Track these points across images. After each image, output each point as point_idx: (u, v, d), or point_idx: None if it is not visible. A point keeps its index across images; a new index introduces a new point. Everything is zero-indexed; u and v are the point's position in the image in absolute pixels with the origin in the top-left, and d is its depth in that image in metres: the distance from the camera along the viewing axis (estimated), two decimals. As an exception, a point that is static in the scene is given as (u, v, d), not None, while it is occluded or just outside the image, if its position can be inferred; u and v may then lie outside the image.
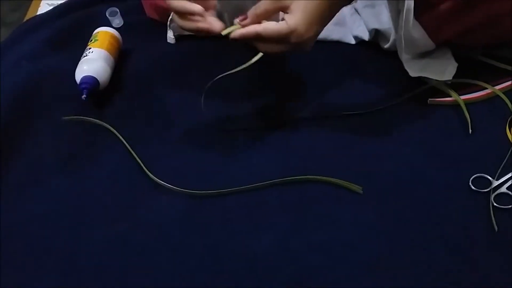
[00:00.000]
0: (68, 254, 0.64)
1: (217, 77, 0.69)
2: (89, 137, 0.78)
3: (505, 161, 0.69)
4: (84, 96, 0.78)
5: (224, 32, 0.65)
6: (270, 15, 0.65)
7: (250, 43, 0.66)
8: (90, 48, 0.85)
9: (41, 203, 0.69)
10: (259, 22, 0.65)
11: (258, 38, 0.64)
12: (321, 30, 0.65)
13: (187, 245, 0.64)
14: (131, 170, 0.72)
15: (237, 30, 0.65)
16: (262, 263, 0.62)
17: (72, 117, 0.80)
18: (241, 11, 0.86)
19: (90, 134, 0.78)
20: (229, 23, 0.82)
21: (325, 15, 0.64)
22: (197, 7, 0.65)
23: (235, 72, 0.69)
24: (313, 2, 0.62)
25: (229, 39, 0.65)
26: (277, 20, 0.65)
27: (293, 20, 0.62)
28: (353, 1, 0.67)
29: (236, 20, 0.66)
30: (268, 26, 0.63)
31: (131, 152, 0.74)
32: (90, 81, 0.80)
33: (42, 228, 0.67)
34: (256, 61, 0.68)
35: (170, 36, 0.93)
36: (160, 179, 0.70)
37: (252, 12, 0.65)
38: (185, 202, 0.68)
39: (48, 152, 0.76)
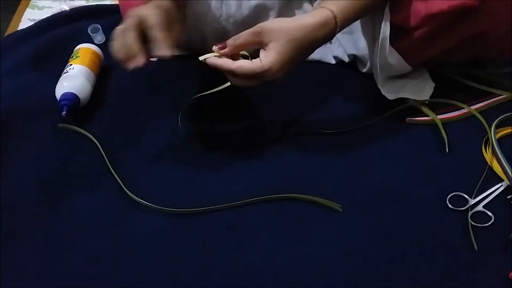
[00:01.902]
0: (48, 271, 0.63)
1: (191, 99, 0.70)
2: (70, 154, 0.77)
3: (481, 180, 0.70)
4: (64, 113, 0.78)
5: (201, 58, 0.67)
6: (248, 48, 0.67)
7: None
8: (71, 65, 0.84)
9: (21, 220, 0.68)
10: (237, 53, 0.67)
11: (231, 73, 0.66)
12: (293, 69, 0.67)
13: (169, 262, 0.64)
14: (111, 187, 0.72)
15: (212, 59, 0.66)
16: (245, 278, 0.62)
17: (65, 125, 0.79)
18: (223, 34, 0.87)
19: (71, 151, 0.77)
20: (212, 45, 0.83)
21: (299, 57, 0.66)
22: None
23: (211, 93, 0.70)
24: (289, 45, 0.64)
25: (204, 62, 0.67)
26: None
27: (267, 59, 0.64)
28: (328, 43, 0.70)
29: (215, 48, 0.67)
30: (243, 65, 0.65)
31: (111, 171, 0.73)
32: (71, 97, 0.79)
33: (21, 244, 0.66)
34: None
35: (152, 53, 0.93)
36: (141, 197, 0.69)
37: (231, 43, 0.66)
38: (167, 220, 0.68)
39: (28, 167, 0.75)
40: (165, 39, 0.64)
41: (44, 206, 0.70)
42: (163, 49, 0.64)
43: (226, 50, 0.66)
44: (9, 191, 0.72)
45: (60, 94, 0.80)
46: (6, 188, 0.72)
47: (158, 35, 0.64)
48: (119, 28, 0.68)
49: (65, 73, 0.83)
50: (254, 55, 0.67)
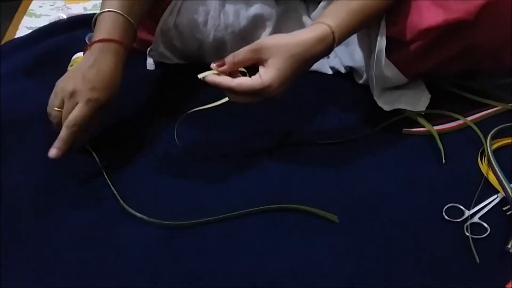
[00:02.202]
0: (41, 280, 0.62)
1: (188, 113, 0.71)
2: (66, 162, 0.76)
3: (478, 191, 0.70)
4: None
5: (200, 76, 0.67)
6: (247, 64, 0.67)
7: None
8: None
9: (12, 228, 0.68)
10: (236, 69, 0.67)
11: (231, 90, 0.66)
12: (292, 82, 0.68)
13: (164, 273, 0.63)
14: (107, 196, 0.71)
15: (211, 77, 0.67)
16: (238, 286, 0.61)
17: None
18: (220, 43, 0.88)
19: (68, 159, 0.76)
20: (209, 54, 0.84)
21: (298, 73, 0.67)
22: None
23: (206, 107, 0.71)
24: (288, 61, 0.65)
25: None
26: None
27: (267, 76, 0.64)
28: (326, 57, 0.71)
29: (213, 65, 0.67)
30: (242, 82, 0.65)
31: (107, 180, 0.73)
32: None
33: (13, 254, 0.65)
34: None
35: (150, 62, 0.94)
36: (136, 207, 0.69)
37: (230, 60, 0.67)
38: (161, 231, 0.67)
39: (24, 175, 0.74)
40: (67, 138, 0.67)
41: (39, 214, 0.69)
42: (54, 148, 0.67)
43: (225, 67, 0.67)
44: (4, 199, 0.71)
45: None
46: (2, 195, 0.72)
47: (62, 132, 0.67)
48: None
49: None
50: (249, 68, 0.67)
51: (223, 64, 0.67)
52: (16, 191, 0.72)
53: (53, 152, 0.67)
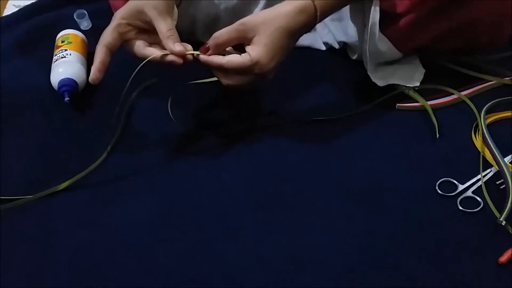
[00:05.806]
0: (33, 264, 0.62)
1: (184, 84, 0.70)
2: (57, 142, 0.76)
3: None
4: (66, 99, 0.77)
5: (189, 52, 0.67)
6: (232, 44, 0.67)
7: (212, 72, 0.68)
8: (65, 50, 0.82)
9: (8, 210, 0.67)
10: (221, 51, 0.67)
11: (221, 69, 0.66)
12: (283, 59, 0.68)
13: (157, 251, 0.63)
14: (99, 176, 0.71)
15: (201, 56, 0.67)
16: (233, 268, 0.61)
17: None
18: (213, 20, 0.86)
19: (59, 139, 0.76)
20: (201, 31, 0.82)
21: (286, 47, 0.67)
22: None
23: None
24: (274, 35, 0.64)
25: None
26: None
27: (255, 52, 0.64)
28: (313, 30, 0.70)
29: (200, 55, 0.67)
30: (233, 59, 0.65)
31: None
32: (71, 83, 0.78)
33: (7, 239, 0.65)
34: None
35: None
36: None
37: (213, 43, 0.66)
38: (155, 207, 0.67)
39: (13, 159, 0.74)
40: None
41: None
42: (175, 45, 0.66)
43: (210, 52, 0.67)
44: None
45: (58, 80, 0.78)
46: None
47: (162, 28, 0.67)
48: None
49: (62, 57, 0.81)
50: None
51: (208, 50, 0.67)
52: (8, 174, 0.72)
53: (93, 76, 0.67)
